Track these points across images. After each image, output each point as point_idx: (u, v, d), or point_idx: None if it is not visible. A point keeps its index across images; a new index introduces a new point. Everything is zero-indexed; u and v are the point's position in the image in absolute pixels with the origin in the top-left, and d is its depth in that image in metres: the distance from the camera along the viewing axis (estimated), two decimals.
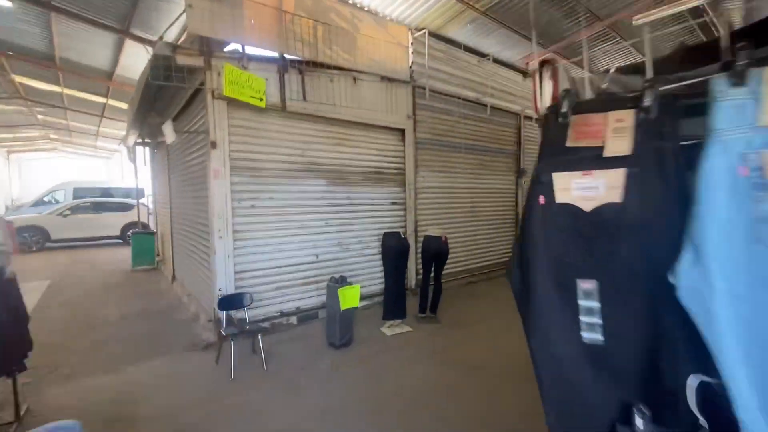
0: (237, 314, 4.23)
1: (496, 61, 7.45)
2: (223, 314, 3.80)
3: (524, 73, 8.22)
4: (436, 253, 4.76)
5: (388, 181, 5.80)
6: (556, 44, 7.96)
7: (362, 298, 5.38)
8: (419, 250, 5.46)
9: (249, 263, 4.53)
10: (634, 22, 6.41)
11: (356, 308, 4.17)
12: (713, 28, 7.27)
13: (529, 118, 8.29)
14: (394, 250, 4.51)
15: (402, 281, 4.65)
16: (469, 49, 7.00)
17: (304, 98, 4.80)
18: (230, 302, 3.86)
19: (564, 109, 1.08)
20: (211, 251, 4.33)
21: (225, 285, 4.30)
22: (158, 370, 3.69)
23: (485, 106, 7.25)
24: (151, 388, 3.34)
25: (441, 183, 6.62)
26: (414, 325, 4.73)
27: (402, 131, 5.91)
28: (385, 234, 4.61)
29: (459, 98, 6.77)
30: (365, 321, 4.83)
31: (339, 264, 5.24)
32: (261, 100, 4.35)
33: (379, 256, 5.21)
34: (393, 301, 4.56)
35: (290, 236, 4.82)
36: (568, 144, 1.12)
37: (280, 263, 4.75)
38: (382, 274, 4.99)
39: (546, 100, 1.21)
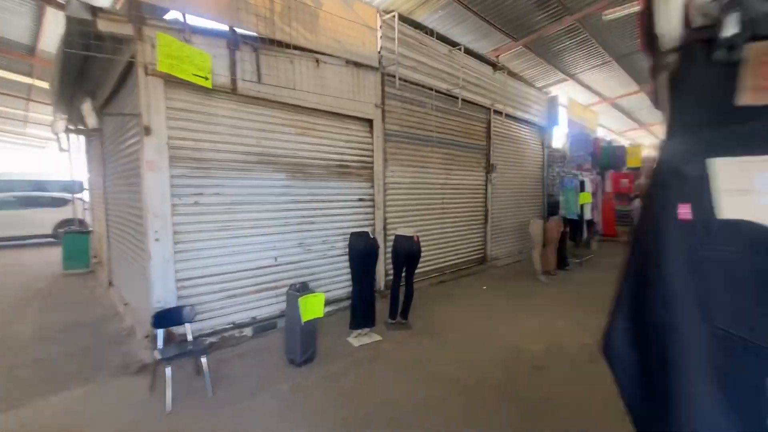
0: (179, 329, 3.63)
1: (466, 51, 7.14)
2: (159, 333, 3.19)
3: (494, 66, 7.99)
4: (407, 254, 4.37)
5: (355, 175, 5.33)
6: (526, 37, 7.82)
7: (327, 303, 4.91)
8: (388, 250, 5.06)
9: (194, 269, 3.91)
10: (603, 17, 6.26)
11: (320, 318, 3.70)
12: None
13: (499, 112, 8.10)
14: (362, 251, 4.06)
15: (371, 286, 4.23)
16: (440, 38, 6.64)
17: (259, 80, 4.22)
18: (168, 318, 3.26)
19: (731, 32, 0.58)
20: (147, 256, 3.67)
21: (164, 296, 3.67)
22: (77, 402, 3.03)
23: (456, 98, 6.93)
24: (63, 428, 2.71)
25: (411, 178, 6.24)
26: (384, 333, 4.32)
27: (370, 122, 5.45)
28: (353, 234, 4.15)
29: (430, 89, 6.39)
30: (330, 330, 4.36)
31: (300, 267, 4.72)
32: (206, 78, 3.73)
33: (345, 257, 4.75)
34: (361, 307, 4.12)
35: (243, 237, 4.24)
36: (742, 101, 0.60)
37: (231, 268, 4.17)
38: (349, 277, 4.53)
39: (674, 19, 0.67)
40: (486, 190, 8.02)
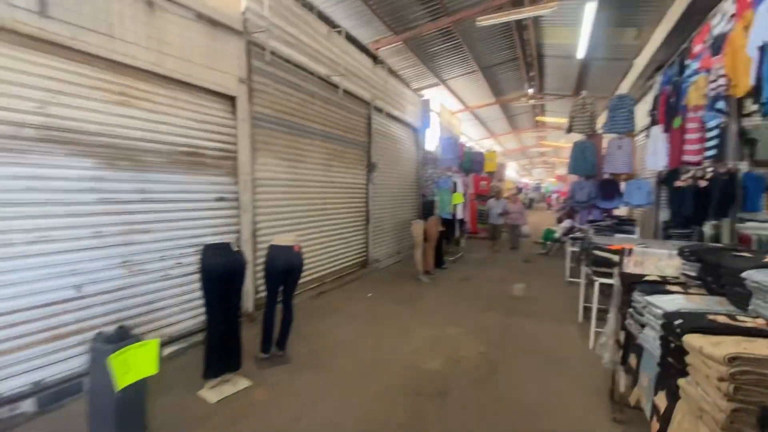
0: None
1: (348, 38, 6.50)
2: None
3: (374, 59, 7.58)
4: (286, 268, 3.43)
5: (212, 167, 4.09)
6: (406, 32, 7.63)
7: (173, 340, 3.64)
8: (258, 262, 4.03)
9: None
10: (477, 23, 6.35)
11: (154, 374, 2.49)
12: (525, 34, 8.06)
13: (379, 109, 7.74)
14: (221, 271, 2.94)
15: (234, 316, 3.13)
16: (320, 16, 5.81)
17: (43, 11, 2.69)
18: None
19: None
20: None
21: None
22: None
23: (337, 88, 6.23)
24: None
25: (287, 174, 5.26)
26: (254, 374, 3.30)
27: (232, 99, 4.28)
28: (207, 248, 2.98)
29: (308, 72, 5.52)
30: (173, 380, 3.11)
31: (125, 296, 3.29)
32: None
33: (197, 275, 3.47)
34: (220, 348, 3.01)
35: (15, 258, 2.66)
36: None
37: None
38: (203, 301, 3.29)
39: None
40: (367, 189, 7.57)
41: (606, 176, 7.89)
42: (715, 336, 1.42)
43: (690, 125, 4.64)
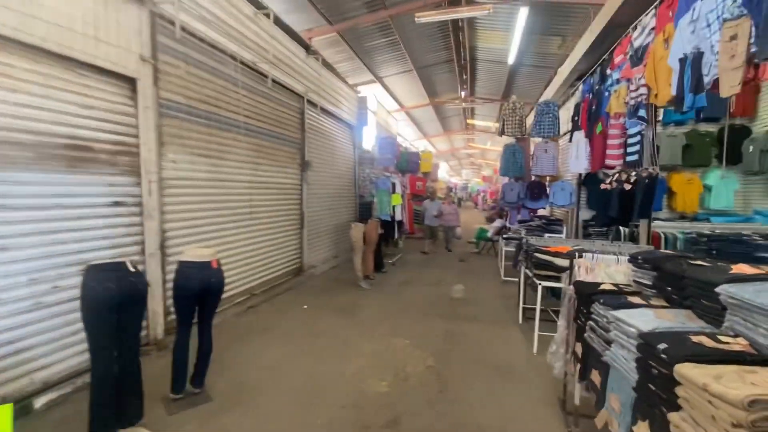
0: None
1: (277, 22, 5.89)
2: None
3: (307, 49, 7.02)
4: (202, 288, 2.82)
5: (104, 164, 3.29)
6: (342, 23, 7.20)
7: (47, 389, 2.83)
8: (171, 279, 3.35)
9: None
10: (416, 19, 6.13)
11: None
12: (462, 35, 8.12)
13: (313, 104, 7.22)
14: (112, 298, 2.27)
15: (131, 354, 2.47)
16: None
17: None
18: None
19: None
20: None
21: None
22: None
23: (265, 77, 5.59)
24: None
25: (205, 173, 4.53)
26: (164, 422, 2.66)
27: (132, 81, 3.50)
28: (92, 269, 2.28)
29: (230, 56, 4.83)
30: None
31: None
32: None
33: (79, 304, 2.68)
34: (110, 397, 2.34)
35: None
36: None
37: None
38: (86, 339, 2.53)
39: None
40: (301, 189, 7.00)
41: (533, 178, 8.29)
42: (710, 366, 1.27)
43: (612, 131, 4.91)
